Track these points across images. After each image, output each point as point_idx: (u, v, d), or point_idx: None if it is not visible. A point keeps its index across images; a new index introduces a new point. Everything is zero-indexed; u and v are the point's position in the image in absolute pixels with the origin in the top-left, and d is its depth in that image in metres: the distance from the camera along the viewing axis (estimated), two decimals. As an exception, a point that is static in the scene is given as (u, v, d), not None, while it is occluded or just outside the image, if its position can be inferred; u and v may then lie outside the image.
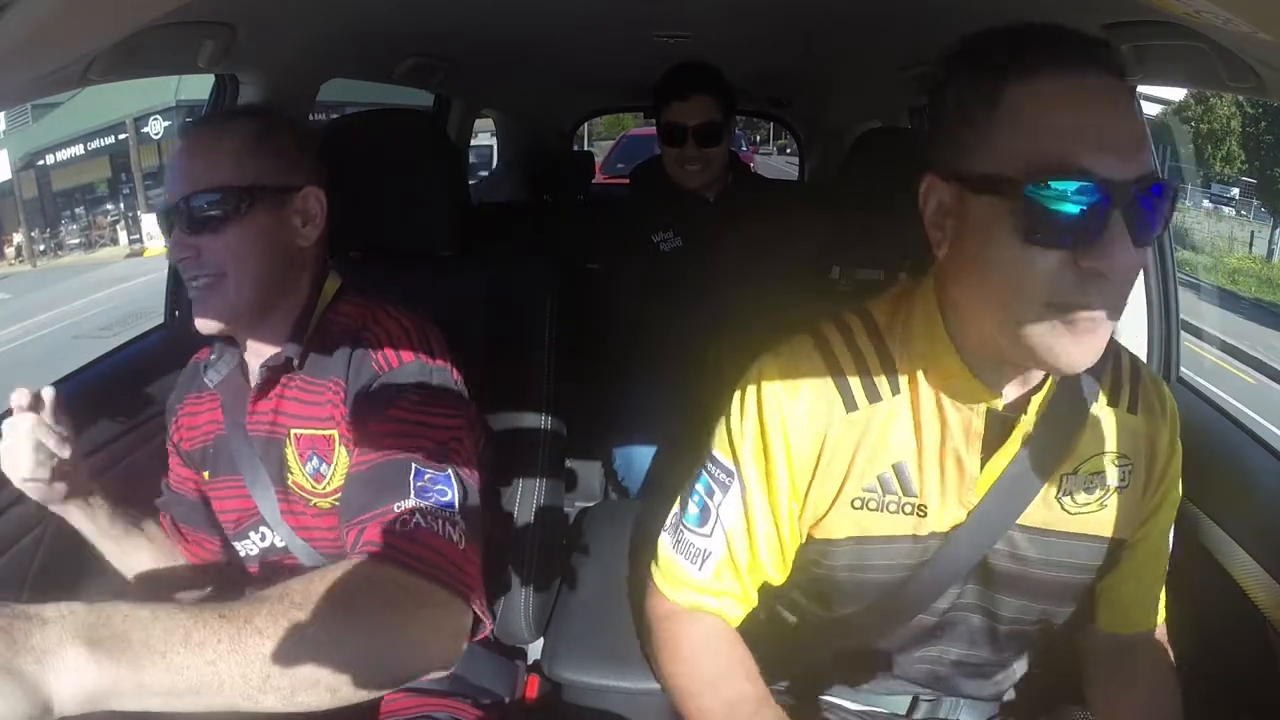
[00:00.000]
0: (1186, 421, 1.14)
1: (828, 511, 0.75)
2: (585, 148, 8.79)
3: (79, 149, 17.11)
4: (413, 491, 0.73)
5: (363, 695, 0.60)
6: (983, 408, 0.71)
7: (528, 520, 1.07)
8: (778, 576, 0.81)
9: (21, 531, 1.02)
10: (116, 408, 1.17)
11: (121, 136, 16.40)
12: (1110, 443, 0.75)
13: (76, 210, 17.96)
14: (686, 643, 0.82)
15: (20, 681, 0.44)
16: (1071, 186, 0.57)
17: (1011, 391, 0.71)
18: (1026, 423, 0.71)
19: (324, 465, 0.87)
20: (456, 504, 0.75)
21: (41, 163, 17.50)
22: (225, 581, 0.98)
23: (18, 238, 17.21)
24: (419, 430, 0.79)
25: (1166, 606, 0.86)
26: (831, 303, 1.00)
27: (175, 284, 1.39)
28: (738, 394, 0.78)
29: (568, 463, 1.39)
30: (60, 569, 1.04)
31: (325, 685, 0.57)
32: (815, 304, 1.00)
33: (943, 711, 0.88)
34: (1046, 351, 0.62)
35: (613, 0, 1.46)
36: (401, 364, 0.84)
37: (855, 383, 0.74)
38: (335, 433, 0.86)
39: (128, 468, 1.14)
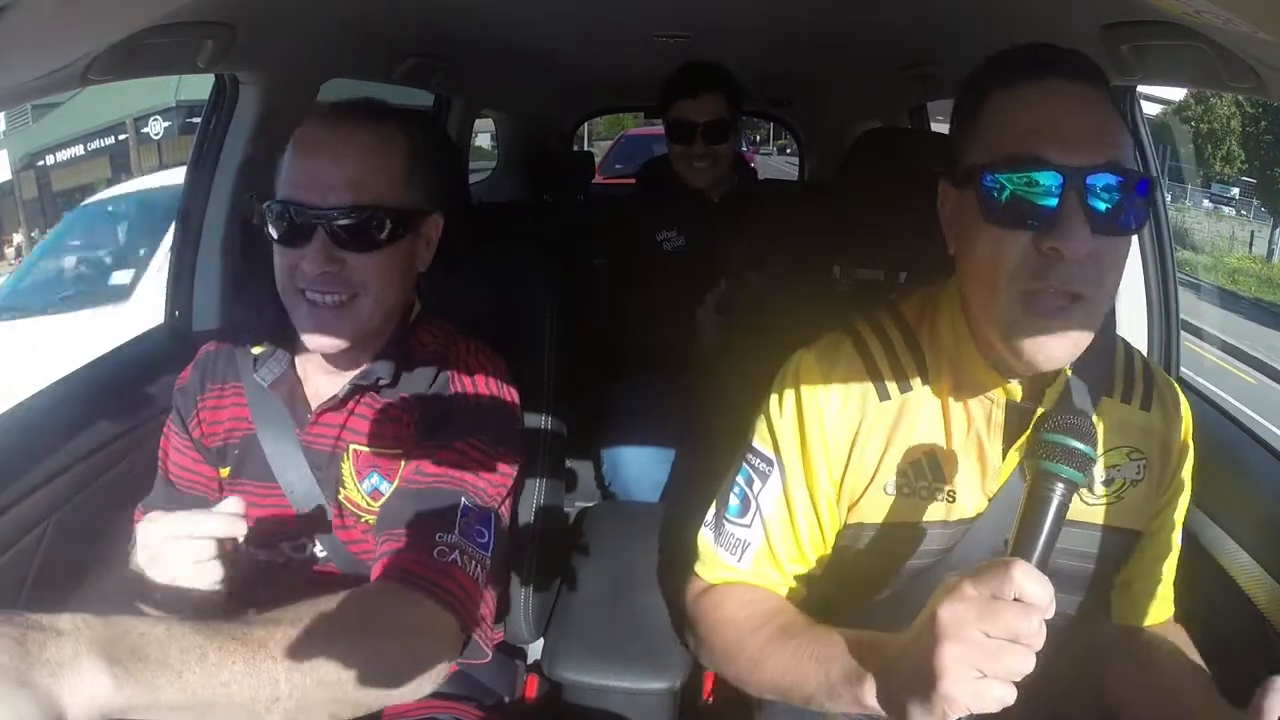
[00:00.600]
0: (1186, 421, 1.14)
1: (862, 496, 0.78)
2: (585, 148, 8.79)
3: (79, 149, 17.08)
4: (458, 528, 0.75)
5: (359, 713, 0.62)
6: (1002, 399, 0.75)
7: (528, 520, 1.07)
8: (817, 562, 0.84)
9: (21, 531, 1.02)
10: (116, 408, 1.17)
11: (122, 137, 16.38)
12: (1124, 438, 0.78)
13: None
14: (728, 604, 0.83)
15: (34, 694, 0.44)
16: (1023, 173, 0.63)
17: (1029, 384, 0.74)
18: (1041, 413, 0.73)
19: (385, 484, 0.85)
20: (490, 543, 0.77)
21: (41, 163, 17.45)
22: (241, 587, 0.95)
23: (18, 238, 16.98)
24: (478, 471, 0.80)
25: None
26: (832, 303, 1.00)
27: (176, 283, 1.39)
28: (777, 384, 0.82)
29: (568, 463, 1.39)
30: (60, 569, 1.04)
31: (326, 709, 0.59)
32: (816, 304, 1.00)
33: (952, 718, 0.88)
34: (1017, 345, 0.66)
35: (613, 0, 1.46)
36: (479, 398, 0.84)
37: (888, 374, 0.78)
38: (400, 453, 0.84)
39: (128, 467, 1.14)
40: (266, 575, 0.89)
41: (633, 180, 2.38)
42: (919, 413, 0.77)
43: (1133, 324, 1.24)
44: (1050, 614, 0.55)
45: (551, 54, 2.03)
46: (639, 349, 1.74)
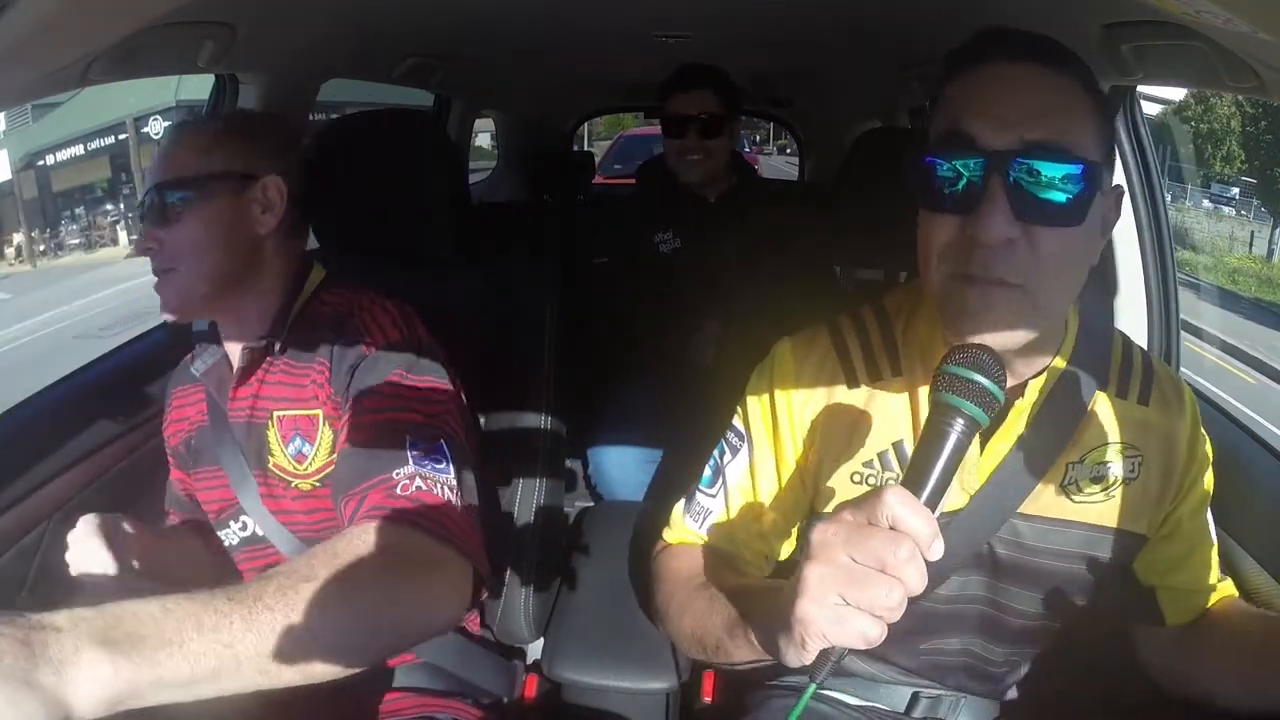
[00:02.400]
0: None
1: (828, 482, 0.78)
2: (585, 148, 8.76)
3: (79, 149, 17.13)
4: (410, 459, 0.75)
5: (379, 657, 0.62)
6: None
7: (527, 520, 1.07)
8: (778, 547, 0.84)
9: (22, 531, 1.02)
10: (116, 408, 1.17)
11: (122, 137, 16.43)
12: (1117, 433, 0.75)
13: (76, 210, 18.00)
14: (673, 561, 0.86)
15: (40, 694, 0.44)
16: (948, 156, 0.61)
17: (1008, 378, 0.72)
18: (1022, 407, 0.72)
19: (306, 445, 0.88)
20: (453, 474, 0.77)
21: (42, 163, 17.53)
22: (214, 573, 0.98)
23: (18, 238, 17.24)
24: (409, 402, 0.81)
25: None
26: (831, 303, 1.00)
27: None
28: (756, 370, 0.84)
29: (567, 463, 1.39)
30: (61, 568, 1.03)
31: (342, 653, 0.59)
32: (815, 304, 1.00)
33: (942, 710, 0.88)
34: (952, 323, 0.64)
35: (613, 0, 1.46)
36: (389, 343, 0.86)
37: (858, 361, 0.78)
38: (320, 412, 0.87)
39: (128, 467, 1.14)
40: (222, 559, 0.96)
41: (632, 180, 2.38)
42: (889, 404, 0.76)
43: (1132, 324, 1.23)
44: (933, 555, 0.51)
45: (551, 54, 2.03)
46: (631, 350, 1.74)
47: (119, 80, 0.97)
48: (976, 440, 0.73)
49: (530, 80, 2.46)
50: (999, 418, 0.72)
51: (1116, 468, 0.75)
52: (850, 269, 1.17)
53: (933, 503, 0.54)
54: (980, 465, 0.74)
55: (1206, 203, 18.29)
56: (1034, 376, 0.72)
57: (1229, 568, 0.95)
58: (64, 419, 1.11)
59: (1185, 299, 1.33)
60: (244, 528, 0.93)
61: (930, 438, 0.56)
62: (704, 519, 0.85)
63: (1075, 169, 0.60)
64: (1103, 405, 0.75)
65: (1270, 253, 15.89)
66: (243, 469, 0.90)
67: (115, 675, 0.48)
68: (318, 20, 1.24)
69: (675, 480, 0.96)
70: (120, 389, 1.20)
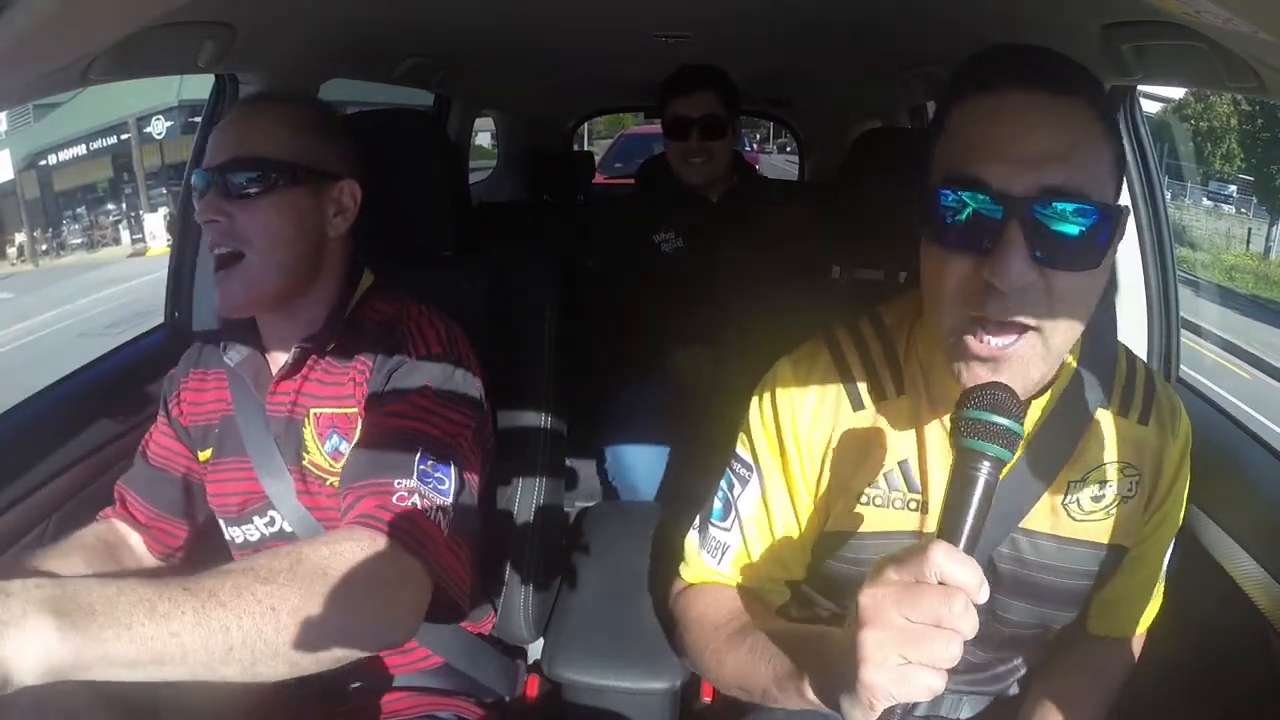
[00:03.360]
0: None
1: (838, 505, 0.78)
2: (585, 147, 8.77)
3: (81, 149, 17.15)
4: (416, 474, 0.75)
5: (322, 666, 0.61)
6: None
7: (527, 520, 1.07)
8: (797, 570, 0.84)
9: (21, 531, 1.02)
10: (116, 408, 1.17)
11: (124, 136, 16.45)
12: (1118, 452, 0.75)
13: (78, 210, 17.99)
14: (700, 602, 0.85)
15: None
16: (963, 197, 0.59)
17: None
18: (1026, 431, 0.71)
19: (344, 443, 0.87)
20: (451, 497, 0.77)
21: (44, 163, 17.58)
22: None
23: (19, 238, 17.23)
24: (430, 419, 0.81)
25: (1166, 607, 0.86)
26: (831, 303, 1.00)
27: (176, 284, 1.39)
28: (755, 395, 0.82)
29: (568, 462, 1.39)
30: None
31: (285, 657, 0.59)
32: (815, 304, 1.00)
33: (944, 709, 0.88)
34: (958, 363, 0.63)
35: (613, 0, 1.46)
36: (430, 356, 0.86)
37: (862, 381, 0.77)
38: (356, 411, 0.86)
39: (128, 468, 1.14)
40: (242, 553, 0.94)
41: (632, 180, 2.38)
42: (893, 423, 0.76)
43: (1133, 324, 1.24)
44: (981, 598, 0.52)
45: (551, 54, 2.03)
46: (639, 349, 1.74)
47: (119, 80, 0.97)
48: None
49: (530, 80, 2.46)
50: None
51: (1116, 486, 0.75)
52: (850, 269, 1.17)
53: (970, 548, 0.54)
54: None
55: (1206, 201, 18.32)
56: (1036, 396, 0.72)
57: (1227, 567, 0.95)
58: (64, 419, 1.11)
59: (1183, 295, 1.32)
60: (271, 523, 0.91)
61: (959, 484, 0.56)
62: (722, 555, 0.84)
63: (1095, 215, 0.58)
64: (1105, 422, 0.75)
65: (1268, 250, 15.91)
66: (277, 464, 0.89)
67: (60, 644, 0.48)
68: (318, 20, 1.23)
69: (683, 486, 0.96)
70: (120, 389, 1.20)
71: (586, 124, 4.84)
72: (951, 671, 0.82)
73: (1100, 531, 0.76)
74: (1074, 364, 0.74)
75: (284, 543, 0.91)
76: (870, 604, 0.54)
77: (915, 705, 0.55)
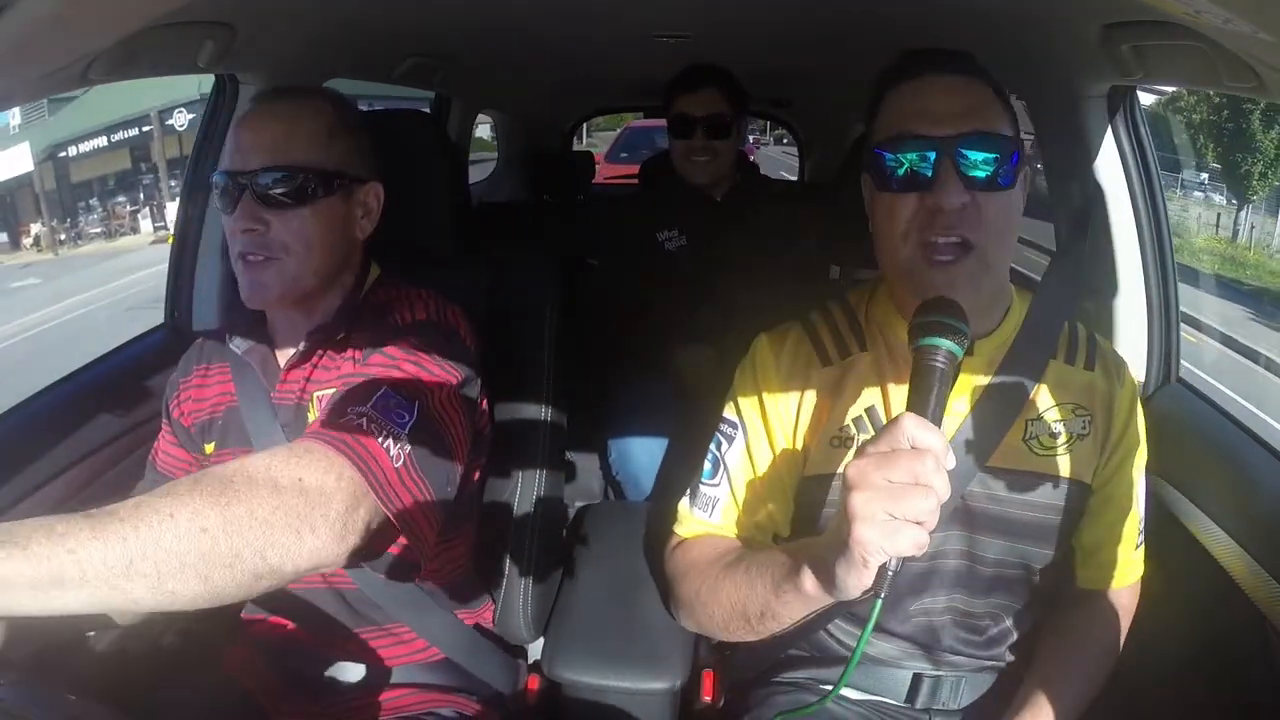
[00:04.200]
0: (1186, 421, 1.14)
1: (814, 450, 0.87)
2: (586, 140, 8.94)
3: (102, 140, 17.45)
4: (372, 403, 0.73)
5: (238, 580, 0.58)
6: None
7: (527, 519, 1.07)
8: (781, 519, 0.91)
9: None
10: (116, 408, 1.17)
11: (146, 129, 16.72)
12: (1069, 395, 0.86)
13: (91, 201, 18.32)
14: (693, 550, 0.92)
15: None
16: (902, 146, 0.77)
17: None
18: (974, 363, 0.83)
19: None
20: (409, 426, 0.73)
21: (63, 154, 17.81)
22: None
23: (35, 228, 17.51)
24: (404, 367, 0.80)
25: (1165, 606, 0.87)
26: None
27: (175, 283, 1.39)
28: (740, 366, 0.94)
29: (573, 458, 1.39)
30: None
31: (193, 568, 0.56)
32: (816, 305, 1.00)
33: (943, 694, 0.89)
34: (919, 280, 0.77)
35: (613, 0, 1.46)
36: (414, 321, 0.87)
37: (828, 343, 0.90)
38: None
39: (127, 468, 1.14)
40: None
41: (633, 179, 2.38)
42: (859, 375, 0.87)
43: (1133, 323, 1.23)
44: (948, 463, 0.62)
45: (551, 54, 2.03)
46: (642, 346, 1.74)
47: (119, 80, 0.97)
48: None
49: (530, 80, 2.46)
50: (955, 376, 0.79)
51: (1071, 425, 0.86)
52: (850, 269, 1.17)
53: (936, 423, 0.64)
54: (943, 423, 0.77)
55: (1196, 193, 18.61)
56: (982, 337, 0.84)
57: (1227, 566, 0.95)
58: (64, 419, 1.11)
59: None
60: None
61: (919, 375, 0.66)
62: (713, 508, 0.92)
63: (1002, 145, 0.76)
64: (1054, 371, 0.86)
65: (1235, 233, 16.34)
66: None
67: None
68: (318, 20, 1.24)
69: (680, 480, 0.97)
70: (120, 389, 1.20)
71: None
72: (942, 627, 0.87)
73: (1061, 466, 0.85)
74: (1019, 319, 0.86)
75: None
76: (855, 472, 0.62)
77: (902, 564, 0.62)
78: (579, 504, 1.43)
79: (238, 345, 0.92)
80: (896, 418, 0.63)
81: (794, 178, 4.19)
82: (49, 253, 16.64)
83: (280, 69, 1.29)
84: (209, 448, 0.95)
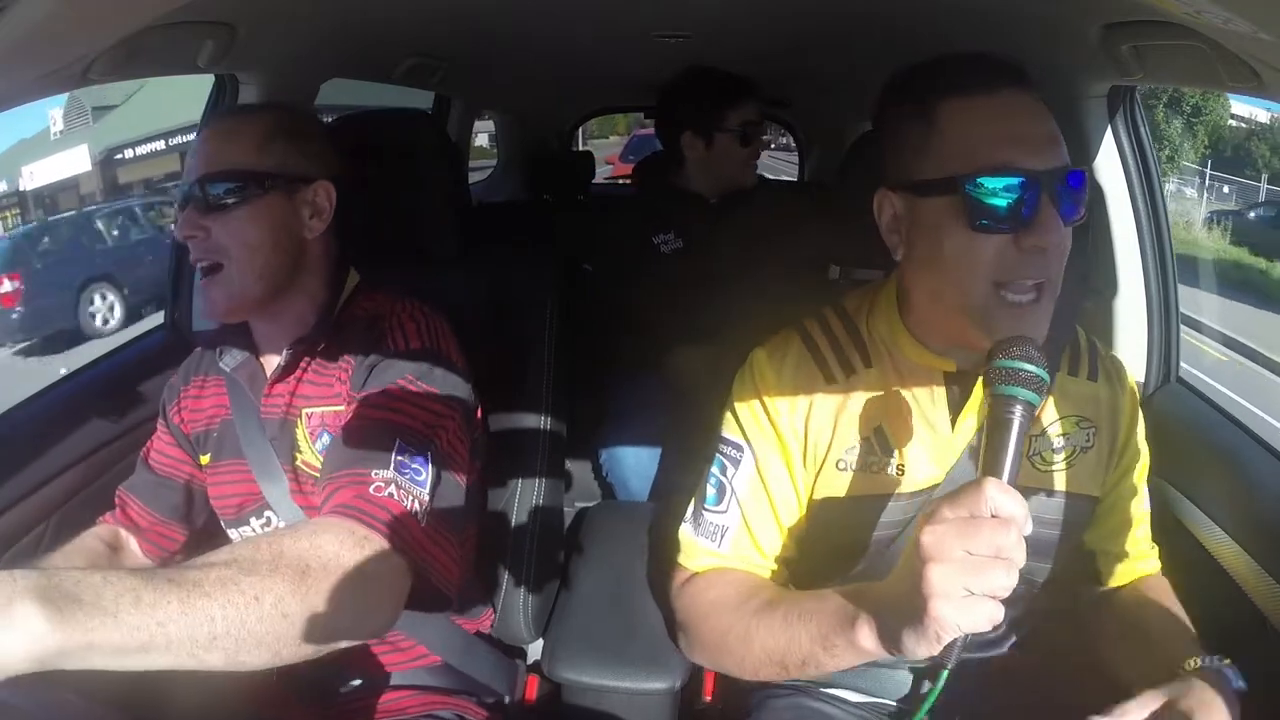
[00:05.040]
0: (1186, 421, 1.14)
1: (820, 472, 0.83)
2: (581, 146, 9.73)
3: (160, 144, 17.96)
4: (392, 464, 0.76)
5: (304, 654, 0.62)
6: (939, 373, 0.81)
7: (526, 520, 1.07)
8: (791, 546, 0.87)
9: (21, 531, 1.02)
10: (116, 408, 1.17)
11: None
12: (1073, 407, 0.83)
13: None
14: (713, 588, 0.85)
15: None
16: (1005, 180, 0.69)
17: (965, 358, 0.79)
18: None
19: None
20: (428, 485, 0.78)
21: (119, 157, 18.62)
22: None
23: None
24: (409, 409, 0.81)
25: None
26: (830, 303, 1.00)
27: (175, 286, 1.39)
28: (736, 382, 0.87)
29: (567, 463, 1.39)
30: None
31: (268, 646, 0.60)
32: (814, 305, 1.00)
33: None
34: (995, 325, 0.71)
35: (613, 0, 1.46)
36: (409, 350, 0.86)
37: (831, 359, 0.84)
38: (343, 409, 0.87)
39: (127, 468, 1.14)
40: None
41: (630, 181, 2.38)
42: (864, 394, 0.82)
43: (1132, 323, 1.23)
44: (1028, 529, 0.58)
45: (551, 54, 2.03)
46: (637, 349, 1.74)
47: (119, 80, 0.97)
48: (947, 417, 0.80)
49: (530, 80, 2.46)
50: (966, 396, 0.80)
51: (1075, 438, 0.83)
52: (850, 269, 1.17)
53: (1012, 482, 0.60)
54: (951, 441, 0.80)
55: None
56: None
57: (1226, 566, 0.95)
58: (64, 419, 1.11)
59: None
60: (267, 524, 0.92)
61: (995, 427, 0.63)
62: (721, 537, 0.86)
63: (1084, 178, 0.71)
64: (1058, 383, 0.82)
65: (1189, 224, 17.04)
66: (273, 464, 0.90)
67: (48, 632, 0.48)
68: (318, 20, 1.24)
69: (678, 485, 0.96)
70: (120, 390, 1.20)
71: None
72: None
73: (1066, 480, 0.83)
74: None
75: None
76: (932, 541, 0.58)
77: (968, 638, 0.60)
78: (578, 505, 1.43)
79: (227, 362, 0.93)
80: (978, 481, 0.58)
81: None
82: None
83: (280, 69, 1.29)
84: (205, 459, 0.96)
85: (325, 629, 0.63)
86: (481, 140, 5.33)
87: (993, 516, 0.57)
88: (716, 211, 1.76)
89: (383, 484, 0.74)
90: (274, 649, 0.60)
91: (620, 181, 6.43)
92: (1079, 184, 0.71)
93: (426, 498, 0.77)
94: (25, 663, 0.48)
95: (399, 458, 0.77)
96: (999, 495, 0.57)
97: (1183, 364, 1.27)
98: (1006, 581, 0.57)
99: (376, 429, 0.79)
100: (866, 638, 0.67)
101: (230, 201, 0.84)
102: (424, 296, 0.95)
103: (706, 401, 0.98)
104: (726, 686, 1.02)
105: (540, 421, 1.09)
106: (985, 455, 0.63)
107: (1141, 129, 1.21)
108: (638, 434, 1.63)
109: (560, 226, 2.40)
